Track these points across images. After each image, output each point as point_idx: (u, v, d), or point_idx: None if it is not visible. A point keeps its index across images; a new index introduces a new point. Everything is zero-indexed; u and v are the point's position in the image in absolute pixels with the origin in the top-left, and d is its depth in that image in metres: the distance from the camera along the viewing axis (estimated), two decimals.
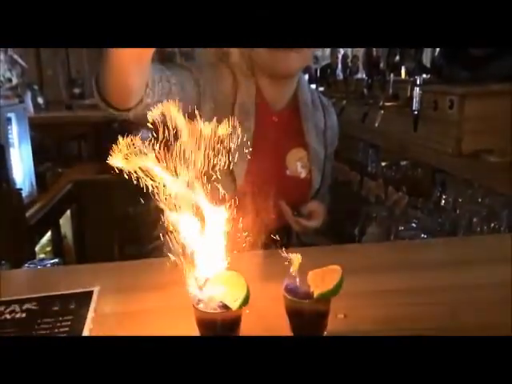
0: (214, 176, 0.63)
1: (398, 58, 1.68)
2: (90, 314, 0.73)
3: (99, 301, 0.78)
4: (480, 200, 1.36)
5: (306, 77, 2.20)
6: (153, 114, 0.61)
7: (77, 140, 3.11)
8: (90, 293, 0.80)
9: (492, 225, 1.31)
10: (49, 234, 2.42)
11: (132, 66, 0.78)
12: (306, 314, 0.64)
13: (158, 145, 0.60)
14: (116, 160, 0.58)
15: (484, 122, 1.38)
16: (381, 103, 1.63)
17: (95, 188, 2.66)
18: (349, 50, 2.31)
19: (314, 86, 2.28)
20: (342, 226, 1.78)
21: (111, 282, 0.86)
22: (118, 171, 0.60)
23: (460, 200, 1.45)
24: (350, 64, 2.16)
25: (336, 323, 0.67)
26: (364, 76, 1.95)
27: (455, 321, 0.71)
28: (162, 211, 0.63)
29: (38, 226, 2.09)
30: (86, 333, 0.69)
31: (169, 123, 0.60)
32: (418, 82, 1.47)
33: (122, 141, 0.58)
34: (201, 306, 0.62)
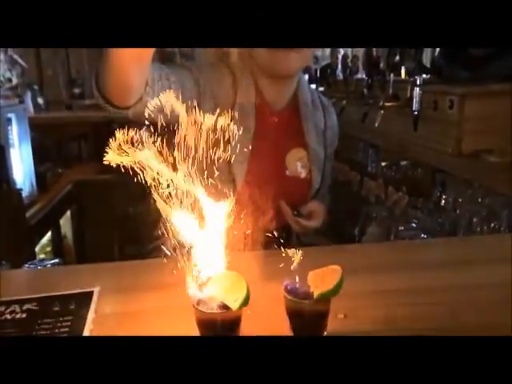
0: (214, 174, 0.63)
1: (397, 58, 1.68)
2: (91, 315, 0.73)
3: (99, 301, 0.78)
4: (480, 200, 1.37)
5: (306, 77, 2.20)
6: (152, 107, 0.61)
7: (77, 140, 3.11)
8: (90, 293, 0.80)
9: (492, 225, 1.31)
10: (49, 234, 2.42)
11: (132, 66, 0.78)
12: (306, 314, 0.64)
13: (156, 138, 0.60)
14: (113, 155, 0.58)
15: (484, 122, 1.38)
16: (381, 103, 1.63)
17: (95, 188, 2.66)
18: (349, 50, 2.31)
19: (314, 86, 2.28)
20: (342, 226, 1.78)
21: (111, 283, 0.86)
22: (118, 170, 0.60)
23: (460, 200, 1.45)
24: (349, 64, 2.16)
25: (336, 323, 0.67)
26: (364, 76, 1.95)
27: (455, 321, 0.71)
28: (161, 211, 0.63)
29: (38, 227, 2.09)
30: (86, 333, 0.69)
31: (168, 114, 0.60)
32: (417, 82, 1.47)
33: (120, 134, 0.58)
34: (201, 307, 0.62)
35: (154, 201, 0.62)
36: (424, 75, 1.51)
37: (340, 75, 2.31)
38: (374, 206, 1.83)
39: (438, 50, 1.67)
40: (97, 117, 2.64)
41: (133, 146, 0.59)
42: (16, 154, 2.02)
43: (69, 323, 0.71)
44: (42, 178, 2.31)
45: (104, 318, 0.73)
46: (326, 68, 2.44)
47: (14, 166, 1.98)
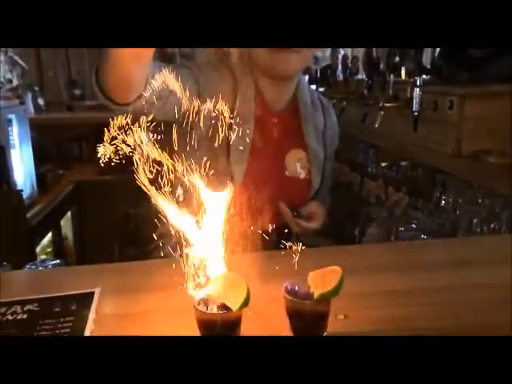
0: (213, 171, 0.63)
1: (397, 58, 1.68)
2: (92, 315, 0.73)
3: (100, 302, 0.78)
4: (480, 201, 1.37)
5: (306, 78, 2.21)
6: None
7: (77, 141, 3.11)
8: (91, 294, 0.80)
9: (492, 225, 1.31)
10: (50, 235, 2.42)
11: (132, 64, 0.78)
12: (307, 314, 0.64)
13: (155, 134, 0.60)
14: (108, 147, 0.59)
15: (484, 122, 1.38)
16: (381, 104, 1.63)
17: (96, 189, 2.66)
18: (349, 51, 2.31)
19: (314, 87, 2.28)
20: (342, 226, 1.78)
21: (112, 283, 0.86)
22: (118, 171, 0.60)
23: (460, 201, 1.45)
24: (350, 65, 2.17)
25: (336, 324, 0.68)
26: (364, 77, 1.95)
27: (455, 321, 0.72)
28: (160, 209, 0.63)
29: (38, 227, 2.09)
30: (87, 334, 0.69)
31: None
32: (417, 83, 1.47)
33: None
34: (201, 307, 0.62)
35: (153, 201, 0.62)
36: (424, 76, 1.51)
37: (340, 76, 2.31)
38: (374, 207, 1.83)
39: (437, 50, 1.67)
40: (97, 118, 2.65)
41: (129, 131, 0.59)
42: (16, 154, 2.02)
43: (70, 324, 0.71)
44: (42, 179, 2.31)
45: (105, 319, 0.74)
46: (326, 69, 2.44)
47: (14, 166, 1.98)
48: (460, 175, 1.43)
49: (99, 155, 0.60)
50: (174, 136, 0.62)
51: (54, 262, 1.20)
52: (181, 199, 0.64)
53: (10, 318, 0.74)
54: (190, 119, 1.11)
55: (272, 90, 1.17)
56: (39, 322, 0.72)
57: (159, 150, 0.62)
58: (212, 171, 0.64)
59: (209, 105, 1.08)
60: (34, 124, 2.41)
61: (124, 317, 0.75)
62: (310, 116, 1.22)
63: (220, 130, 1.11)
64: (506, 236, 1.22)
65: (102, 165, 0.62)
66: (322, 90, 2.32)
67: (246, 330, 0.64)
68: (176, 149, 0.66)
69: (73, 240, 2.76)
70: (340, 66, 2.27)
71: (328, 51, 2.60)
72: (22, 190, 1.97)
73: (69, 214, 2.72)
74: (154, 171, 0.62)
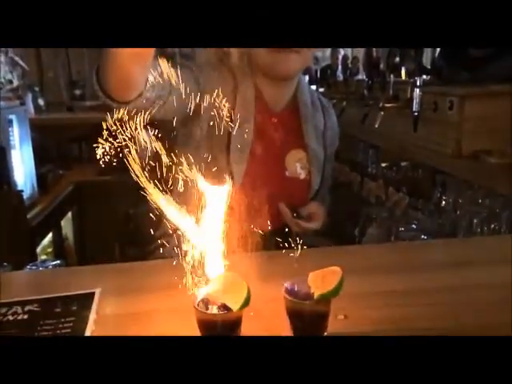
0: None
1: (398, 59, 1.69)
2: (92, 316, 0.73)
3: (101, 302, 0.78)
4: (480, 201, 1.37)
5: (306, 78, 2.21)
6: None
7: (77, 142, 3.11)
8: (92, 294, 0.80)
9: (492, 226, 1.31)
10: (50, 235, 2.42)
11: (133, 65, 0.78)
12: (307, 314, 0.64)
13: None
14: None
15: (484, 122, 1.39)
16: (381, 104, 1.63)
17: (96, 189, 2.66)
18: (349, 51, 2.32)
19: (314, 87, 2.28)
20: (343, 226, 1.78)
21: (113, 284, 0.86)
22: (119, 171, 0.61)
23: (460, 201, 1.45)
24: (350, 65, 2.17)
25: (336, 324, 0.68)
26: (364, 77, 1.95)
27: (456, 321, 0.72)
28: (160, 207, 0.63)
29: (39, 228, 2.09)
30: (87, 334, 0.69)
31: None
32: (418, 83, 1.47)
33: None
34: (202, 308, 0.62)
35: (152, 199, 0.62)
36: (424, 76, 1.51)
37: (340, 76, 2.32)
38: (374, 207, 1.83)
39: (438, 51, 1.68)
40: (98, 118, 2.64)
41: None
42: (17, 155, 2.02)
43: (70, 324, 0.71)
44: (42, 180, 2.31)
45: (105, 319, 0.74)
46: (327, 69, 2.44)
47: (14, 167, 1.98)
48: (460, 175, 1.43)
49: (99, 153, 0.60)
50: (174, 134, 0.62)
51: (54, 263, 1.20)
52: (181, 196, 0.64)
53: (10, 318, 0.74)
54: (190, 119, 1.12)
55: (272, 90, 1.17)
56: (40, 323, 0.72)
57: (158, 145, 0.63)
58: (213, 169, 0.64)
59: (209, 105, 1.08)
60: (35, 124, 2.41)
61: (124, 317, 0.75)
62: (310, 116, 1.22)
63: (220, 130, 1.11)
64: (506, 236, 1.22)
65: (103, 165, 0.62)
66: (322, 90, 2.32)
67: (247, 330, 0.64)
68: (176, 148, 0.66)
69: (73, 240, 2.76)
70: (340, 67, 2.27)
71: (328, 51, 2.60)
72: (22, 191, 1.97)
73: (69, 214, 2.72)
74: (155, 166, 0.62)
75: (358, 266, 0.85)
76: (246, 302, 0.60)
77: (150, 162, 0.63)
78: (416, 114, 1.49)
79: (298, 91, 1.21)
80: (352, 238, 1.74)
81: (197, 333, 0.63)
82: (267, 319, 0.69)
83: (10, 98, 2.55)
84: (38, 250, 2.19)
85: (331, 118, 1.31)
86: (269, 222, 0.95)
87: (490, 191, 1.33)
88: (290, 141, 1.20)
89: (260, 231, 0.87)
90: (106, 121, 0.62)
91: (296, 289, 0.65)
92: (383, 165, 1.98)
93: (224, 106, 1.08)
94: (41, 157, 2.37)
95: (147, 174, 0.62)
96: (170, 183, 0.65)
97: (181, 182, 0.66)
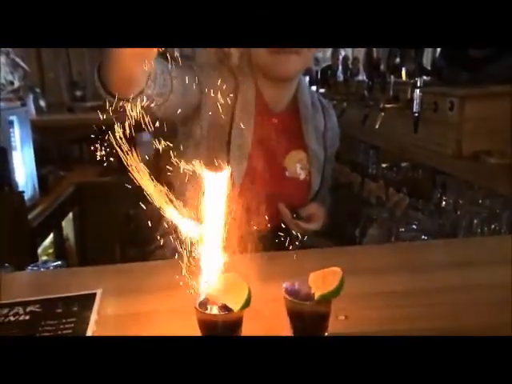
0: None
1: (398, 59, 1.69)
2: (93, 316, 0.74)
3: (102, 303, 0.78)
4: (480, 201, 1.37)
5: (307, 79, 2.21)
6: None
7: (78, 143, 3.11)
8: (93, 295, 0.80)
9: (492, 226, 1.31)
10: (51, 236, 2.42)
11: (135, 63, 0.79)
12: (307, 315, 0.64)
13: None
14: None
15: (484, 123, 1.39)
16: (381, 105, 1.63)
17: (97, 190, 2.66)
18: (349, 52, 2.32)
19: (314, 88, 2.29)
20: (343, 227, 1.78)
21: (114, 284, 0.86)
22: (119, 171, 0.61)
23: (460, 201, 1.45)
24: (350, 66, 2.18)
25: (337, 325, 0.68)
26: (364, 78, 1.96)
27: (456, 321, 0.72)
28: (163, 211, 0.63)
29: (40, 229, 2.09)
30: (89, 335, 0.69)
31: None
32: (418, 84, 1.47)
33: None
34: (202, 308, 0.62)
35: (151, 197, 0.62)
36: (424, 77, 1.52)
37: (341, 77, 2.32)
38: (374, 208, 1.83)
39: (438, 51, 1.68)
40: (99, 119, 2.64)
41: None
42: (18, 156, 2.02)
43: (72, 325, 0.71)
44: (43, 181, 2.31)
45: (107, 320, 0.74)
46: (327, 70, 2.45)
47: (15, 168, 1.99)
48: (460, 176, 1.43)
49: (100, 154, 0.61)
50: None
51: (55, 264, 1.20)
52: (181, 196, 0.64)
53: (12, 319, 0.74)
54: (190, 118, 1.12)
55: (272, 91, 1.17)
56: (41, 323, 0.72)
57: (158, 144, 0.63)
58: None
59: (209, 104, 1.09)
60: (36, 125, 2.41)
61: (126, 318, 0.75)
62: (310, 117, 1.23)
63: (220, 129, 1.12)
64: (507, 237, 1.22)
65: (104, 164, 0.63)
66: (322, 91, 2.33)
67: (247, 330, 0.64)
68: (176, 147, 0.66)
69: (74, 241, 2.76)
70: (340, 67, 2.28)
71: (328, 52, 2.61)
72: (23, 192, 1.98)
73: (70, 215, 2.72)
74: (155, 166, 0.62)
75: (359, 267, 0.85)
76: (247, 303, 0.61)
77: (151, 161, 0.63)
78: (416, 114, 1.49)
79: (298, 92, 1.22)
80: (352, 239, 1.74)
81: (197, 333, 0.63)
82: (268, 320, 0.69)
83: (11, 99, 2.56)
84: (39, 250, 2.19)
85: (331, 118, 1.32)
86: (269, 223, 0.95)
87: (490, 192, 1.33)
88: (290, 141, 1.20)
89: (260, 232, 0.87)
90: (106, 121, 0.62)
91: (296, 289, 0.65)
92: (384, 165, 1.98)
93: (224, 106, 1.09)
94: (42, 158, 2.37)
95: (148, 174, 0.62)
96: (170, 183, 0.65)
97: (180, 183, 0.66)
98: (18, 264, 1.20)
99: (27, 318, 0.74)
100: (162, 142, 0.65)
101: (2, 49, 2.71)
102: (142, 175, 0.62)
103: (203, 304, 0.63)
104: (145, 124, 0.64)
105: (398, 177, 1.86)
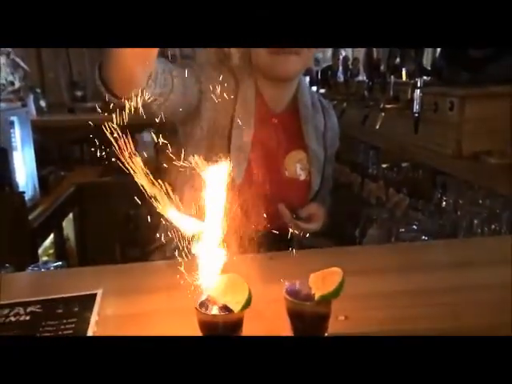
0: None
1: (398, 60, 1.69)
2: (94, 317, 0.74)
3: (102, 303, 0.78)
4: (481, 202, 1.37)
5: (307, 79, 2.22)
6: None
7: (79, 143, 3.12)
8: (94, 295, 0.80)
9: (493, 226, 1.31)
10: (51, 236, 2.42)
11: (136, 63, 0.79)
12: (307, 316, 0.64)
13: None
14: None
15: (484, 123, 1.39)
16: (381, 105, 1.63)
17: (97, 191, 2.67)
18: (350, 53, 2.32)
19: (314, 88, 2.29)
20: (343, 227, 1.79)
21: (114, 285, 0.86)
22: (120, 172, 0.61)
23: (461, 202, 1.45)
24: (350, 66, 2.18)
25: (337, 325, 0.68)
26: (365, 78, 1.96)
27: (456, 322, 0.72)
28: (163, 212, 0.63)
29: (40, 229, 2.09)
30: (89, 335, 0.69)
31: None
32: (418, 84, 1.47)
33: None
34: (203, 309, 0.62)
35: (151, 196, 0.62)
36: (424, 77, 1.52)
37: (341, 77, 2.32)
38: (374, 208, 1.83)
39: (438, 51, 1.68)
40: (99, 120, 2.64)
41: None
42: (18, 156, 2.02)
43: (72, 325, 0.71)
44: (44, 181, 2.31)
45: (107, 320, 0.74)
46: (327, 70, 2.45)
47: (16, 168, 1.99)
48: (460, 176, 1.43)
49: (100, 154, 0.61)
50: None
51: (56, 264, 1.20)
52: (181, 195, 0.64)
53: (12, 319, 0.74)
54: (190, 119, 1.12)
55: (272, 91, 1.17)
56: (42, 324, 0.72)
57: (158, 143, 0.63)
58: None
59: (209, 104, 1.09)
60: (36, 126, 2.42)
61: (126, 318, 0.75)
62: (310, 117, 1.23)
63: (220, 130, 1.12)
64: (507, 237, 1.22)
65: (106, 163, 0.63)
66: (322, 91, 2.33)
67: (247, 330, 0.64)
68: (176, 147, 0.66)
69: (75, 241, 2.77)
70: (341, 68, 2.28)
71: (329, 53, 2.61)
72: (23, 192, 1.98)
73: (70, 215, 2.72)
74: (155, 165, 0.62)
75: (359, 267, 0.85)
76: (248, 303, 0.61)
77: (151, 161, 0.63)
78: (416, 115, 1.49)
79: (298, 92, 1.22)
80: (352, 239, 1.75)
81: (198, 334, 0.63)
82: (268, 320, 0.69)
83: (12, 100, 2.56)
84: (40, 251, 2.19)
85: (331, 119, 1.32)
86: (268, 223, 0.95)
87: (490, 192, 1.33)
88: (290, 142, 1.20)
89: (260, 232, 0.87)
90: (106, 122, 0.62)
91: (297, 290, 0.66)
92: (384, 166, 1.98)
93: (224, 106, 1.09)
94: (42, 158, 2.38)
95: (148, 174, 0.62)
96: (170, 183, 0.65)
97: (180, 183, 0.66)
98: (18, 264, 1.20)
99: (28, 318, 0.74)
100: (162, 142, 0.65)
101: (3, 49, 2.71)
102: (142, 175, 0.62)
103: (203, 304, 0.63)
104: (145, 124, 0.64)
105: (398, 177, 1.87)
